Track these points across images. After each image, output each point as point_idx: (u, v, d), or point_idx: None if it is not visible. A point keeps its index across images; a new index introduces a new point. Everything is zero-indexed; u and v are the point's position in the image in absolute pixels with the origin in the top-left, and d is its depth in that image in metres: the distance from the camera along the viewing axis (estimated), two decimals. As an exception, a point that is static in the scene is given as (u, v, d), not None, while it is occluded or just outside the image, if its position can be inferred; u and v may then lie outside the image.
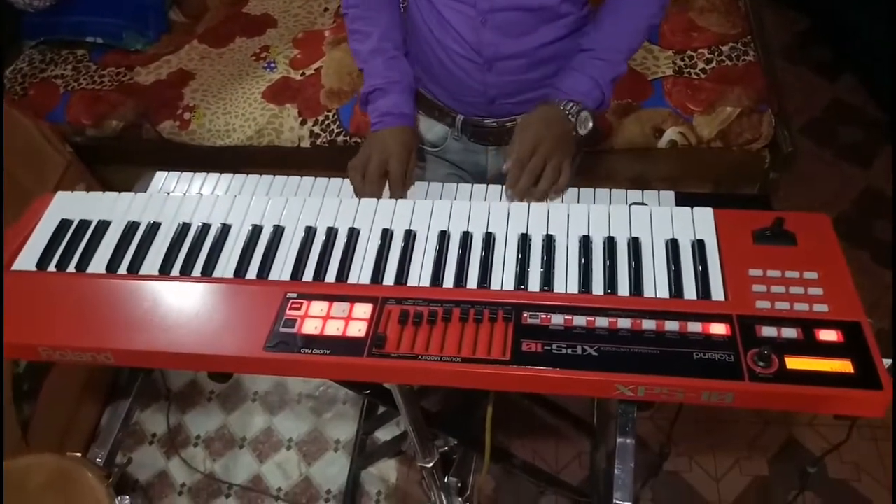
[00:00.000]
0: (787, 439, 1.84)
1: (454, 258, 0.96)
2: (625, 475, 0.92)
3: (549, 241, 0.96)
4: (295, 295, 0.93)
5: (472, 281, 0.93)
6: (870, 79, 2.59)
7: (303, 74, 2.17)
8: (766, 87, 1.90)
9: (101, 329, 0.92)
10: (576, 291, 0.91)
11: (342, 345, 0.87)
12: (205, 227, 1.04)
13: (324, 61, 2.19)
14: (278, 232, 1.02)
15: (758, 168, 1.93)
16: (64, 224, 1.06)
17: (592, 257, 0.94)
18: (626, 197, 1.07)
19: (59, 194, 1.12)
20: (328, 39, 2.27)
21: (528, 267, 0.94)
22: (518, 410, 1.94)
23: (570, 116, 1.08)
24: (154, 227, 1.04)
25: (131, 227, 1.05)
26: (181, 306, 0.94)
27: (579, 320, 0.86)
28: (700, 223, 0.96)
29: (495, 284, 0.92)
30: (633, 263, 0.92)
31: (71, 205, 1.10)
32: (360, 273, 0.96)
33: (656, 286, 0.90)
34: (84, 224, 1.06)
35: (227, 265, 0.99)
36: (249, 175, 1.17)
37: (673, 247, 0.94)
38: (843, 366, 0.79)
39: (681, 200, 1.05)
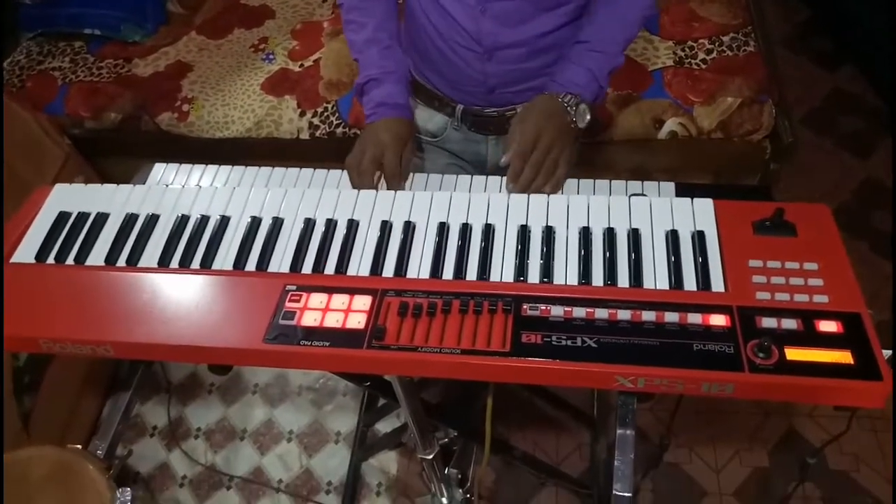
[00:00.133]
0: (787, 430, 1.85)
1: (454, 250, 0.95)
2: (625, 466, 0.92)
3: (548, 233, 0.96)
4: (294, 287, 0.92)
5: (472, 272, 0.93)
6: (870, 69, 2.58)
7: (301, 66, 2.16)
8: (767, 77, 1.89)
9: (100, 321, 0.92)
10: (575, 283, 0.90)
11: (342, 337, 0.87)
12: (203, 219, 1.03)
13: (322, 52, 2.18)
14: (277, 224, 1.01)
15: (758, 159, 1.93)
16: (63, 216, 1.06)
17: (592, 248, 0.94)
18: (626, 188, 1.07)
19: (58, 186, 1.11)
20: (327, 30, 2.26)
21: (528, 258, 0.93)
22: (518, 402, 1.94)
23: (568, 108, 1.08)
24: (153, 220, 1.04)
25: (130, 220, 1.04)
26: (180, 298, 0.94)
27: (579, 312, 0.86)
28: (700, 214, 0.96)
29: (495, 276, 0.92)
30: (633, 255, 0.92)
31: (69, 197, 1.09)
32: (360, 265, 0.95)
33: (656, 277, 0.90)
34: (83, 216, 1.06)
35: (226, 257, 0.99)
36: (248, 167, 1.17)
37: (673, 238, 0.93)
38: (843, 357, 0.79)
39: (681, 191, 1.05)
